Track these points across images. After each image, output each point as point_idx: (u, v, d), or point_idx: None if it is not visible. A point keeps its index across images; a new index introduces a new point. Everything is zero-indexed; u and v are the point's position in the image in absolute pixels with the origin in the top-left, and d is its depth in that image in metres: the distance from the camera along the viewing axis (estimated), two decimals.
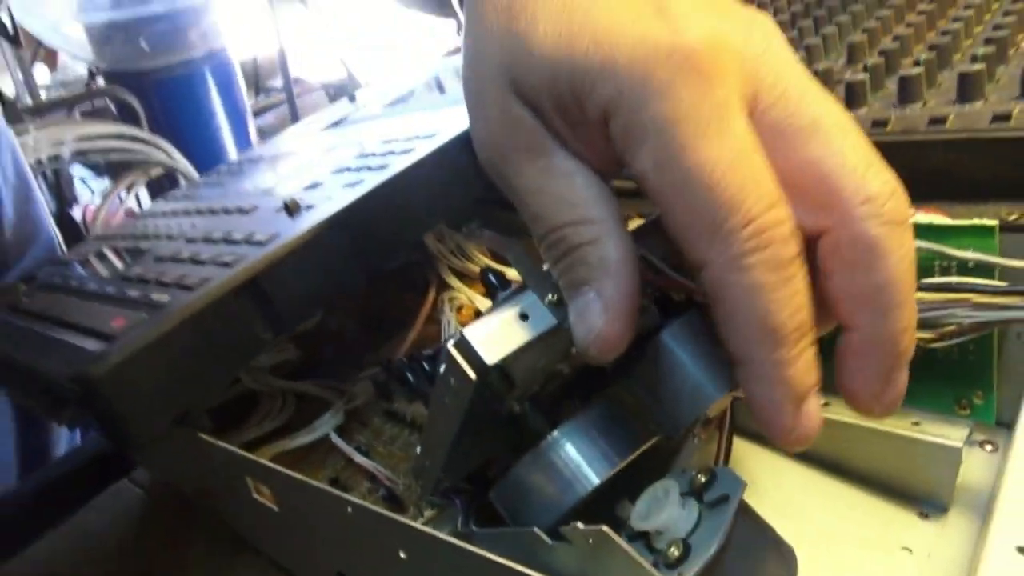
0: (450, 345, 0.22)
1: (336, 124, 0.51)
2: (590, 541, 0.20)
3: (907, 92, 0.35)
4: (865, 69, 0.37)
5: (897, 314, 0.20)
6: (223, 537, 0.36)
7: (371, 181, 0.33)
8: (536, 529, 0.22)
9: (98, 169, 1.79)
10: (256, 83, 2.56)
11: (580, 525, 0.20)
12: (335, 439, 0.35)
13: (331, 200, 0.33)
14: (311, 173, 0.40)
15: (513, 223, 0.33)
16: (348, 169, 0.36)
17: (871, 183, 0.19)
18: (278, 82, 2.52)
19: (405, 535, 0.23)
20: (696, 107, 0.19)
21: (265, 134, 2.35)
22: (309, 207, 0.33)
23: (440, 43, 2.89)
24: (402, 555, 0.24)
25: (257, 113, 2.36)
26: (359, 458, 0.34)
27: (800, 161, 0.20)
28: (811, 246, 0.20)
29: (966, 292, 0.28)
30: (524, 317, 0.22)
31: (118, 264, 0.37)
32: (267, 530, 0.32)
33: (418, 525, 0.23)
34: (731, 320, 0.20)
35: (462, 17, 0.26)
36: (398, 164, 0.34)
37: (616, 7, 0.20)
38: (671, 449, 0.28)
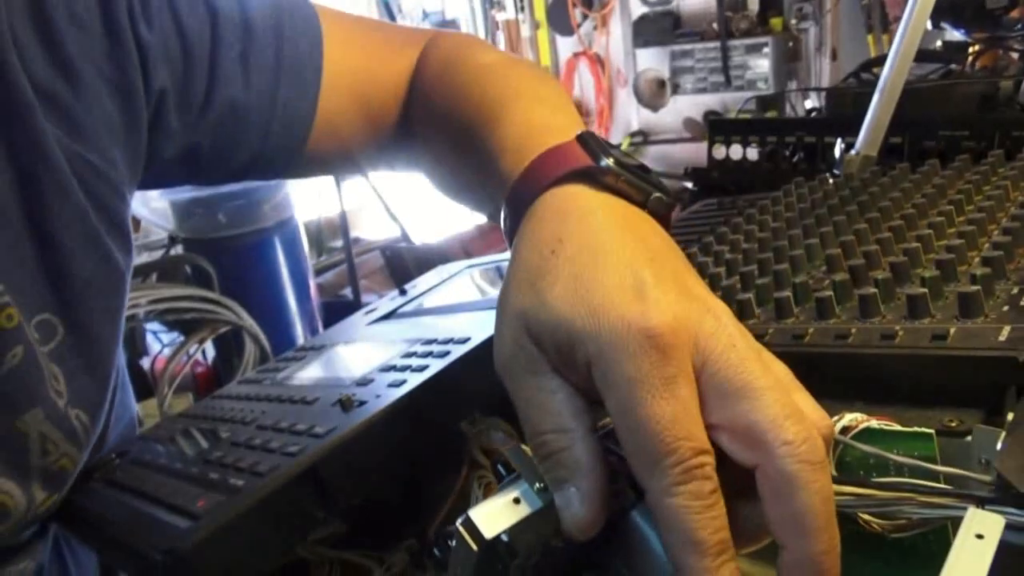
0: (458, 523, 0.29)
1: (386, 317, 0.59)
2: None
3: (866, 308, 0.41)
4: (833, 287, 0.44)
5: (816, 537, 0.26)
6: None
7: (412, 381, 0.40)
8: None
9: (169, 323, 1.93)
10: (319, 243, 2.76)
11: None
12: None
13: (379, 399, 0.40)
14: (363, 367, 0.47)
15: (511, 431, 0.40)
16: (394, 368, 0.44)
17: (788, 432, 0.26)
18: (339, 242, 2.70)
19: None
20: (651, 375, 0.26)
21: (324, 290, 2.50)
22: (361, 403, 0.40)
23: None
24: None
25: (319, 272, 2.54)
26: None
27: (736, 414, 0.27)
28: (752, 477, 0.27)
29: (910, 492, 0.33)
30: (517, 501, 0.29)
31: (202, 445, 0.44)
32: None
33: None
34: (666, 534, 0.26)
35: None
36: (435, 366, 0.41)
37: (609, 290, 0.29)
38: None
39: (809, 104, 1.84)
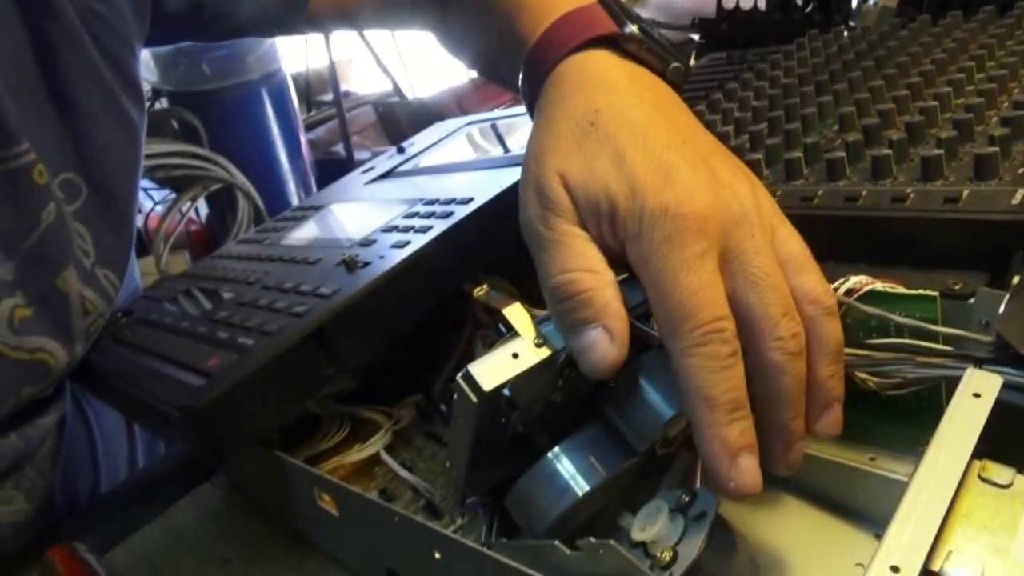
0: (459, 377, 0.30)
1: (385, 176, 0.58)
2: (600, 552, 0.26)
3: (878, 170, 0.40)
4: (845, 147, 0.42)
5: (788, 409, 0.29)
6: (290, 535, 0.43)
7: (416, 242, 0.40)
8: (557, 542, 0.28)
9: (159, 180, 1.91)
10: (308, 98, 2.67)
11: (592, 540, 0.27)
12: (384, 456, 0.41)
13: (383, 259, 0.40)
14: (365, 228, 0.46)
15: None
16: (396, 229, 0.43)
17: (782, 328, 0.29)
18: (329, 96, 2.62)
19: (439, 541, 0.30)
20: (684, 252, 0.29)
21: (315, 147, 2.45)
22: (365, 264, 0.40)
23: None
24: (437, 556, 0.30)
25: (309, 127, 2.47)
26: (403, 473, 0.40)
27: (741, 300, 0.29)
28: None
29: (909, 352, 0.33)
30: (515, 355, 0.30)
31: (205, 305, 0.45)
32: (328, 531, 0.38)
33: (449, 533, 0.29)
34: (684, 392, 0.28)
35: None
36: (439, 227, 0.41)
37: (650, 173, 0.30)
38: (662, 470, 0.35)
39: None
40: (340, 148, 2.39)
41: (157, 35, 0.52)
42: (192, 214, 2.01)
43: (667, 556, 0.28)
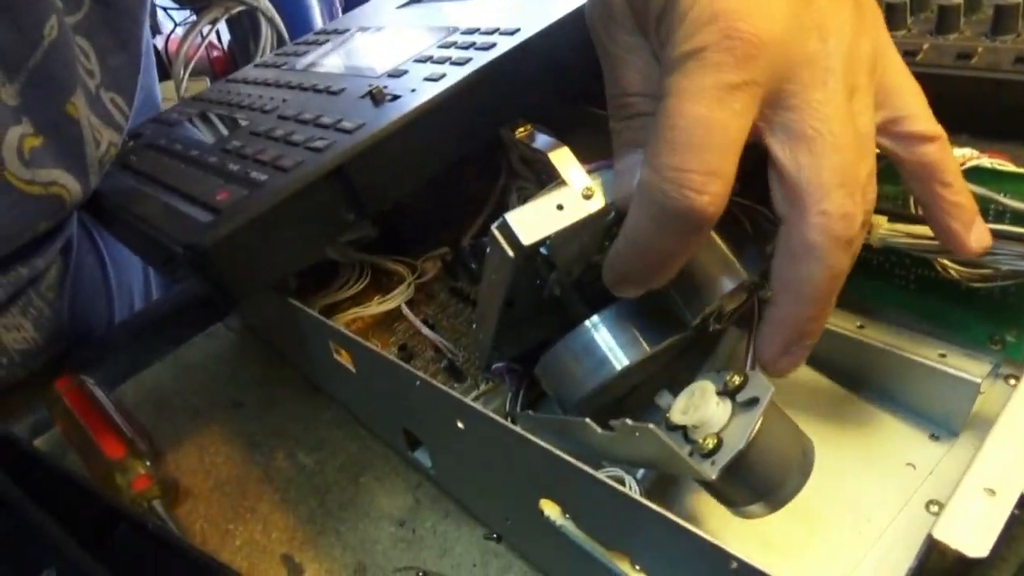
0: (494, 227, 0.26)
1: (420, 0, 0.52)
2: (636, 435, 0.24)
3: (1001, 23, 0.34)
4: None
5: (809, 306, 0.24)
6: (305, 384, 0.41)
7: (453, 76, 0.35)
8: (589, 420, 0.25)
9: (178, 1, 1.80)
10: None
11: (629, 421, 0.24)
12: (405, 311, 0.39)
13: (414, 93, 0.35)
14: (395, 57, 0.41)
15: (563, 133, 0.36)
16: (431, 59, 0.38)
17: (830, 202, 0.23)
18: None
19: (463, 409, 0.27)
20: (710, 76, 0.22)
21: None
22: (394, 97, 0.35)
23: None
24: (459, 425, 0.28)
25: None
26: (425, 330, 0.38)
27: (789, 160, 0.23)
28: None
29: (1012, 240, 0.29)
30: (560, 207, 0.26)
31: (218, 132, 0.41)
32: (343, 385, 0.36)
33: (473, 403, 0.26)
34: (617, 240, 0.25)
35: None
36: (480, 60, 0.36)
37: None
38: (709, 348, 0.32)
39: None
40: None
41: None
42: (214, 39, 1.92)
43: (711, 443, 0.25)
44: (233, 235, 0.30)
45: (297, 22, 1.87)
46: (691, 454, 0.25)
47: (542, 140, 0.29)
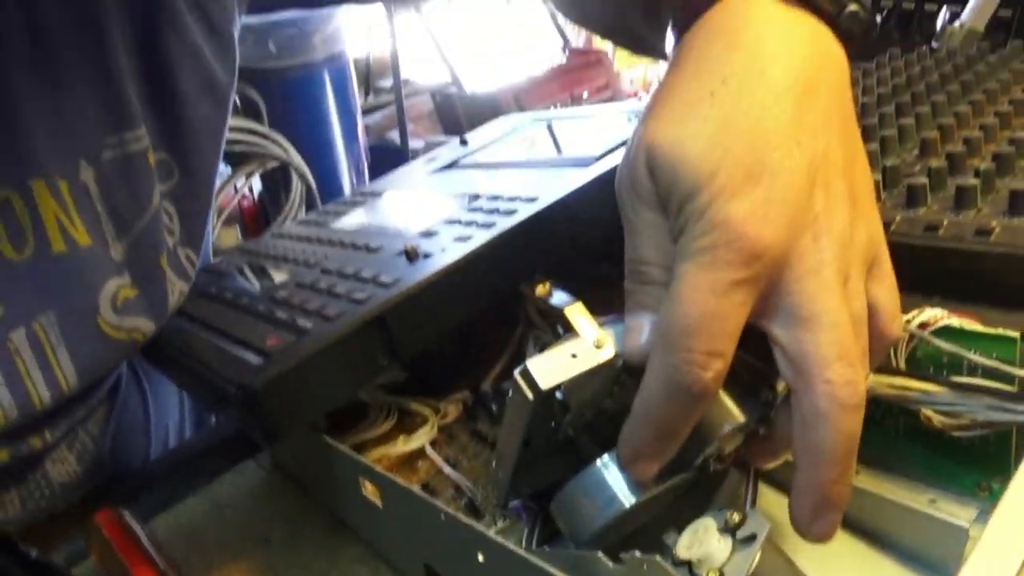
0: (516, 372, 0.30)
1: (447, 167, 0.58)
2: (644, 567, 0.26)
3: (962, 200, 0.39)
4: (927, 173, 0.41)
5: (828, 469, 0.26)
6: (330, 520, 0.43)
7: (479, 238, 0.40)
8: (600, 553, 0.28)
9: None
10: (367, 82, 2.69)
11: (637, 553, 0.26)
12: (429, 451, 0.41)
13: (444, 252, 0.39)
14: (427, 219, 0.46)
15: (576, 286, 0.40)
16: (459, 222, 0.43)
17: (832, 371, 0.26)
18: (388, 82, 2.63)
19: (484, 543, 0.29)
20: (714, 272, 0.26)
21: (371, 131, 2.47)
22: (426, 255, 0.40)
23: (543, 58, 2.96)
24: (480, 559, 0.30)
25: (367, 112, 2.49)
26: (447, 469, 0.40)
27: (792, 338, 0.27)
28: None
29: (983, 393, 0.32)
30: (574, 356, 0.29)
31: (265, 283, 0.45)
32: (369, 521, 0.38)
33: (494, 536, 0.29)
34: (638, 398, 0.29)
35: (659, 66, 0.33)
36: (502, 224, 0.40)
37: (736, 162, 0.27)
38: (711, 488, 0.34)
39: None
40: (395, 135, 2.41)
41: (258, 2, 0.52)
42: (245, 190, 2.04)
43: None
44: (282, 377, 0.33)
45: (326, 177, 1.99)
46: None
47: (558, 297, 0.33)
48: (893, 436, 0.36)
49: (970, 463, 0.35)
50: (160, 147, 0.46)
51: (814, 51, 0.30)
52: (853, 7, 0.31)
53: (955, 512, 0.33)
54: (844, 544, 0.36)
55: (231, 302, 0.44)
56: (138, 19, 0.43)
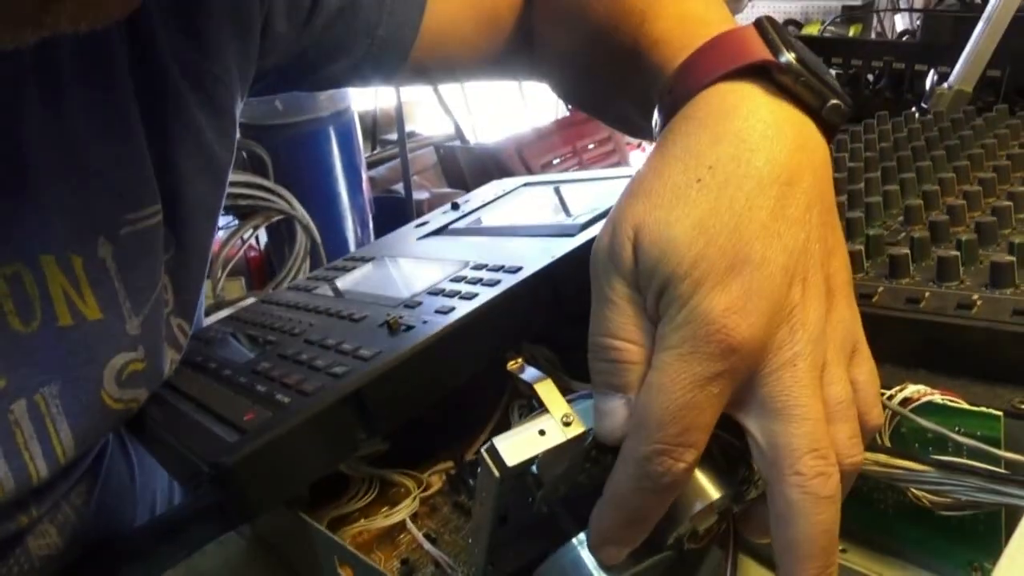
0: (483, 449, 0.29)
1: (437, 232, 0.58)
2: None
3: (944, 272, 0.38)
4: (910, 243, 0.41)
5: (808, 564, 0.26)
6: None
7: (461, 310, 0.40)
8: None
9: (224, 208, 1.97)
10: (373, 135, 2.74)
11: None
12: (409, 525, 0.41)
13: (426, 324, 0.39)
14: (412, 286, 0.46)
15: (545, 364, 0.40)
16: (442, 292, 0.43)
17: (804, 464, 0.26)
18: (394, 135, 2.68)
19: None
20: (693, 366, 0.26)
21: (376, 184, 2.50)
22: (408, 327, 0.40)
23: (546, 111, 3.00)
24: None
25: (372, 164, 2.52)
26: (427, 546, 0.39)
27: (765, 429, 0.27)
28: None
29: (969, 474, 0.31)
30: (542, 432, 0.29)
31: (249, 353, 0.45)
32: None
33: None
34: (605, 490, 0.29)
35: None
36: (485, 295, 0.41)
37: (720, 253, 0.27)
38: (692, 567, 0.33)
39: (901, 25, 1.70)
40: (400, 187, 2.44)
41: (260, 88, 0.53)
42: (251, 242, 2.06)
43: None
44: (255, 454, 0.33)
45: (332, 229, 2.01)
46: None
47: (529, 372, 0.32)
48: (883, 514, 0.36)
49: (962, 541, 0.34)
50: (164, 222, 0.46)
51: (797, 142, 0.30)
52: (834, 101, 0.32)
53: None
54: None
55: (214, 373, 0.44)
56: (144, 98, 0.44)
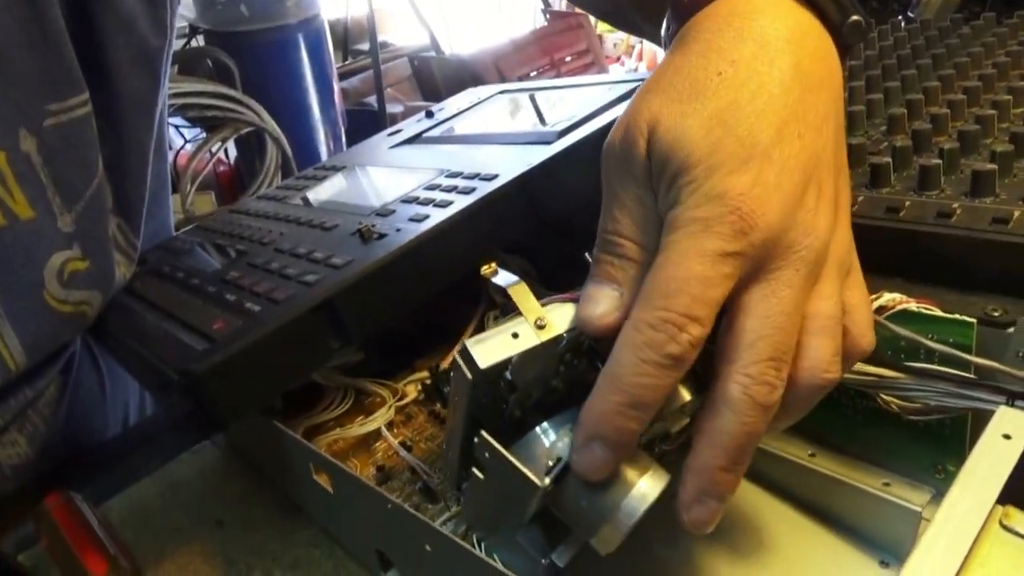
0: (455, 352, 0.29)
1: (411, 140, 0.56)
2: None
3: (925, 180, 0.38)
4: (892, 152, 0.40)
5: (719, 455, 0.26)
6: (285, 503, 0.42)
7: (434, 218, 0.39)
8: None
9: (191, 119, 1.90)
10: (345, 45, 2.64)
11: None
12: (384, 433, 0.41)
13: (399, 232, 0.38)
14: (385, 195, 0.45)
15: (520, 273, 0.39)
16: (416, 200, 0.42)
17: (757, 368, 0.26)
18: (366, 45, 2.58)
19: (430, 534, 0.29)
20: (711, 241, 0.25)
21: (348, 96, 2.43)
22: (380, 236, 0.39)
23: (524, 21, 2.90)
24: (427, 548, 0.29)
25: (343, 76, 2.44)
26: (403, 453, 0.40)
27: (739, 324, 0.26)
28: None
29: (938, 379, 0.32)
30: (515, 335, 0.29)
31: (217, 263, 0.44)
32: (321, 506, 0.38)
33: (440, 528, 0.28)
34: (610, 358, 0.27)
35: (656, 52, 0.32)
36: (460, 203, 0.39)
37: (742, 144, 0.26)
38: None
39: None
40: (373, 99, 2.37)
41: None
42: (221, 155, 2.01)
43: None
44: (226, 363, 0.32)
45: (303, 142, 1.96)
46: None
47: (503, 277, 0.32)
48: (851, 418, 0.36)
49: (927, 445, 0.35)
50: (96, 114, 0.44)
51: (819, 53, 0.30)
52: (856, 17, 0.32)
53: (909, 496, 0.33)
54: (794, 523, 0.36)
55: (182, 282, 0.43)
56: None
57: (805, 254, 0.26)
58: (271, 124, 1.79)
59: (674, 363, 0.25)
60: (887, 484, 0.35)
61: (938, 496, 0.34)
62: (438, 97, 2.45)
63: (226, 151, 2.04)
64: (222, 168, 2.15)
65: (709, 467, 0.26)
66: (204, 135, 1.88)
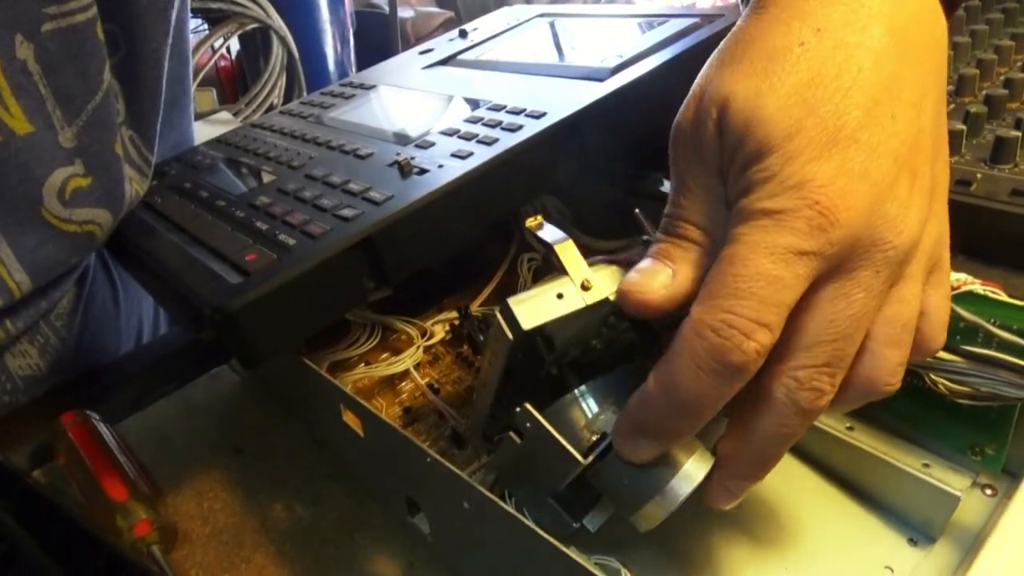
0: (498, 310, 0.28)
1: (444, 62, 0.53)
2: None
3: (1000, 152, 0.36)
4: (964, 117, 0.38)
5: (750, 449, 0.25)
6: (304, 435, 0.42)
7: (480, 156, 0.36)
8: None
9: (194, 11, 1.82)
10: None
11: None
12: (413, 374, 0.40)
13: (442, 169, 0.36)
14: (422, 124, 0.43)
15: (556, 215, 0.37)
16: (458, 134, 0.39)
17: (805, 374, 0.24)
18: None
19: (471, 494, 0.28)
20: (782, 237, 0.23)
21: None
22: (421, 171, 0.37)
23: None
24: (466, 505, 0.29)
25: None
26: (431, 396, 0.39)
27: (803, 323, 0.24)
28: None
29: (999, 367, 0.31)
30: (560, 296, 0.28)
31: (244, 184, 0.42)
32: (348, 446, 0.37)
33: (484, 491, 0.27)
34: (665, 357, 0.26)
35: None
36: (507, 141, 0.37)
37: (822, 126, 0.24)
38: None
39: None
40: (383, 1, 2.27)
41: None
42: (223, 51, 1.93)
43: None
44: (262, 300, 0.31)
45: (309, 43, 1.89)
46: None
47: (550, 232, 0.30)
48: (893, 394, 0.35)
49: (968, 426, 0.34)
50: (108, 18, 0.41)
51: (920, 14, 0.26)
52: None
53: (950, 479, 0.33)
54: (834, 501, 0.36)
55: (206, 203, 0.41)
56: None
57: (892, 255, 0.24)
58: (278, 21, 1.72)
59: (736, 374, 0.23)
60: (927, 465, 0.34)
61: (977, 483, 0.34)
62: (452, 4, 2.35)
63: (228, 47, 1.96)
64: (224, 64, 2.07)
65: (737, 459, 0.26)
66: (206, 28, 1.80)
